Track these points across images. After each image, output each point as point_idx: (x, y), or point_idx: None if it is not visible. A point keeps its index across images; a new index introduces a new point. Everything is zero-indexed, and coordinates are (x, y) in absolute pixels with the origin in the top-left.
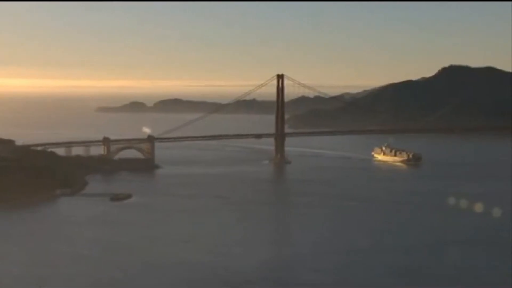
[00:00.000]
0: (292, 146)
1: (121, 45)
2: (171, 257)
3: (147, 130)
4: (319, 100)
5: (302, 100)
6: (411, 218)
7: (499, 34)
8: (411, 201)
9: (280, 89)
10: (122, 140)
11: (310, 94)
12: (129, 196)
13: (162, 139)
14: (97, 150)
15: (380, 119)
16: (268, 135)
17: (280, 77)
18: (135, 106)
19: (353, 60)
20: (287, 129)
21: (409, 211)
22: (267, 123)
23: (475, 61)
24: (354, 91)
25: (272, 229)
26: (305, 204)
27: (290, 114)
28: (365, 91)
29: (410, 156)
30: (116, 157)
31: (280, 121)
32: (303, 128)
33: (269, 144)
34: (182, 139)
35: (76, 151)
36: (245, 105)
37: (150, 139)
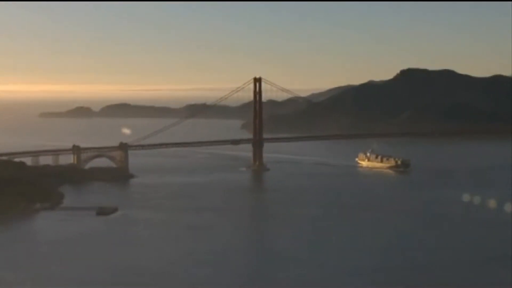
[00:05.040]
0: (264, 152)
1: (59, 48)
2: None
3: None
4: (273, 104)
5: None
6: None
7: (455, 37)
8: (414, 210)
9: (257, 93)
10: (93, 148)
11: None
12: (115, 209)
13: (135, 147)
14: (66, 159)
15: (343, 122)
16: (246, 141)
17: (257, 81)
18: (81, 111)
19: (300, 63)
20: (246, 135)
21: (419, 221)
22: (222, 128)
23: (432, 64)
24: (302, 94)
25: (279, 246)
26: (306, 216)
27: (247, 119)
28: (313, 94)
29: (399, 162)
30: (87, 166)
31: (258, 127)
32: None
33: (241, 150)
34: (157, 146)
35: (43, 160)
36: (197, 109)
37: (123, 146)
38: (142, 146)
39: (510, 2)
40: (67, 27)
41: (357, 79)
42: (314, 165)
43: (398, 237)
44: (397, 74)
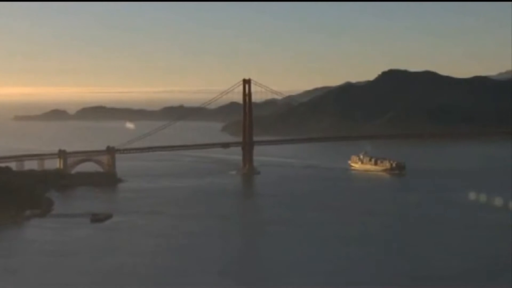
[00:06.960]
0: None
1: (32, 49)
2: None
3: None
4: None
5: (231, 106)
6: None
7: (436, 38)
8: (417, 214)
9: (247, 95)
10: (79, 152)
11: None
12: (109, 216)
13: (123, 151)
14: (52, 164)
15: (326, 124)
16: (236, 144)
17: (246, 82)
18: (57, 114)
19: (276, 65)
20: (228, 137)
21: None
22: (202, 130)
23: (412, 66)
24: (279, 96)
25: (278, 251)
26: (307, 222)
27: (226, 122)
28: (289, 96)
29: (393, 164)
30: (74, 170)
31: (248, 129)
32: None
33: (229, 153)
34: (145, 150)
35: (28, 165)
36: (174, 112)
37: (110, 150)
38: (130, 150)
39: (488, 2)
40: (41, 28)
41: (334, 81)
42: (305, 168)
43: (402, 241)
44: (379, 75)
